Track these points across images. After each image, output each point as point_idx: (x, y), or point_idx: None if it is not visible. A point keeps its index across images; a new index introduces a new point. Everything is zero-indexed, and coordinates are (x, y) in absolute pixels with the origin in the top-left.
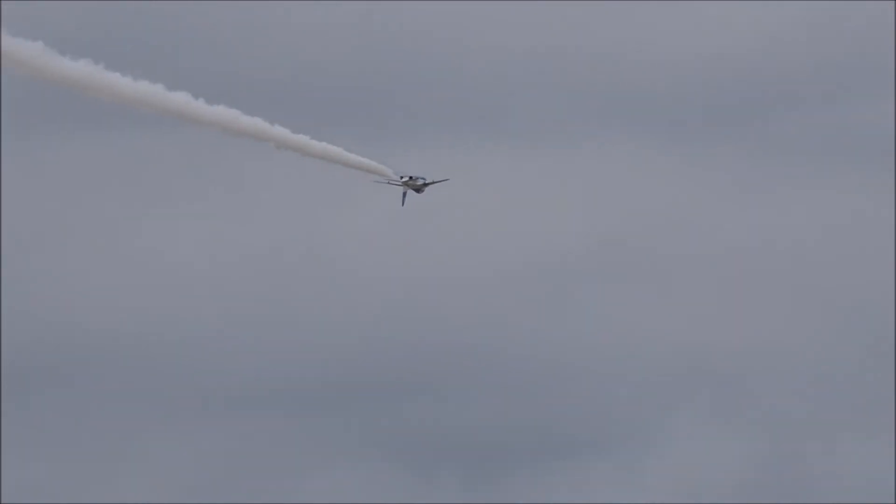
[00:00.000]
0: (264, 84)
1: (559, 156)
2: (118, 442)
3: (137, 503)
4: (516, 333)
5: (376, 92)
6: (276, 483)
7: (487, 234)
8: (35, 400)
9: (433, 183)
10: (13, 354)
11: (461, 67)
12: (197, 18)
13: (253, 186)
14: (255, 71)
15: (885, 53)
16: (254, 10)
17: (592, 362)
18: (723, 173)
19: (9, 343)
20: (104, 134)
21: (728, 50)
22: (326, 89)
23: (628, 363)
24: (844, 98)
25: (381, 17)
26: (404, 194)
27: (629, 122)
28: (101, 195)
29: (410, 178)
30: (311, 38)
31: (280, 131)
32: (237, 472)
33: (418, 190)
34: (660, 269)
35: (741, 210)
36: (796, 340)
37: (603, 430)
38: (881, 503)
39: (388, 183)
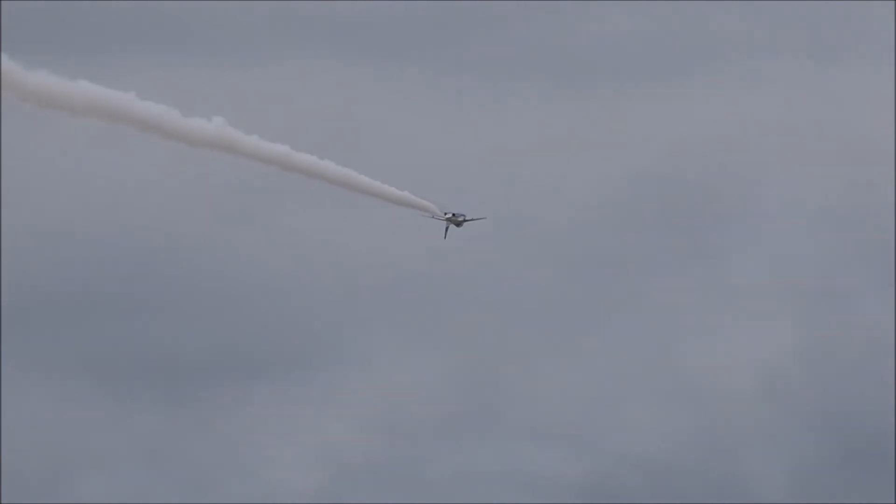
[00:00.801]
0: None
1: None
2: None
3: None
4: (213, 250)
5: None
6: None
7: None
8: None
9: (472, 220)
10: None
11: None
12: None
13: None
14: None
15: None
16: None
17: (290, 280)
18: None
19: None
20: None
21: None
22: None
23: (329, 281)
24: None
25: None
26: (447, 228)
27: None
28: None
29: (453, 214)
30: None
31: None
32: None
33: (458, 224)
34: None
35: None
36: (495, 260)
37: (303, 350)
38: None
39: (433, 218)
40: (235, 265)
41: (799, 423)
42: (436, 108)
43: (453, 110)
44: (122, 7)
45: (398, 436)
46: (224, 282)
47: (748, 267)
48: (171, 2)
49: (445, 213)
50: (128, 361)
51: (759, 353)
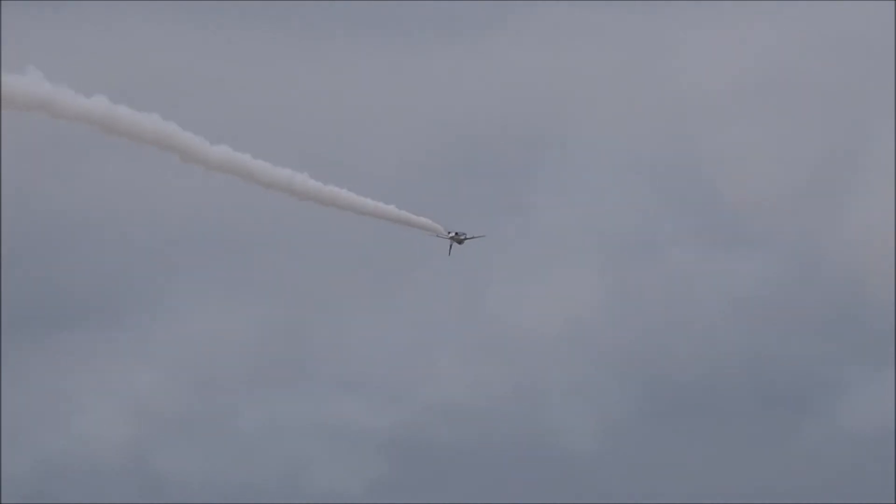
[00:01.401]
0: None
1: None
2: None
3: None
4: (21, 200)
5: None
6: None
7: None
8: None
9: (472, 238)
10: None
11: None
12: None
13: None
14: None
15: None
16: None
17: (100, 231)
18: None
19: None
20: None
21: None
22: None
23: (140, 232)
24: None
25: None
26: (450, 246)
27: None
28: None
29: (456, 233)
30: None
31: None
32: None
33: (460, 242)
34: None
35: None
36: (305, 212)
37: (113, 301)
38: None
39: (437, 236)
40: (42, 214)
41: (608, 373)
42: (250, 59)
43: (270, 62)
44: None
45: (208, 387)
46: (31, 231)
47: (557, 218)
48: None
49: (449, 233)
50: None
51: (568, 303)
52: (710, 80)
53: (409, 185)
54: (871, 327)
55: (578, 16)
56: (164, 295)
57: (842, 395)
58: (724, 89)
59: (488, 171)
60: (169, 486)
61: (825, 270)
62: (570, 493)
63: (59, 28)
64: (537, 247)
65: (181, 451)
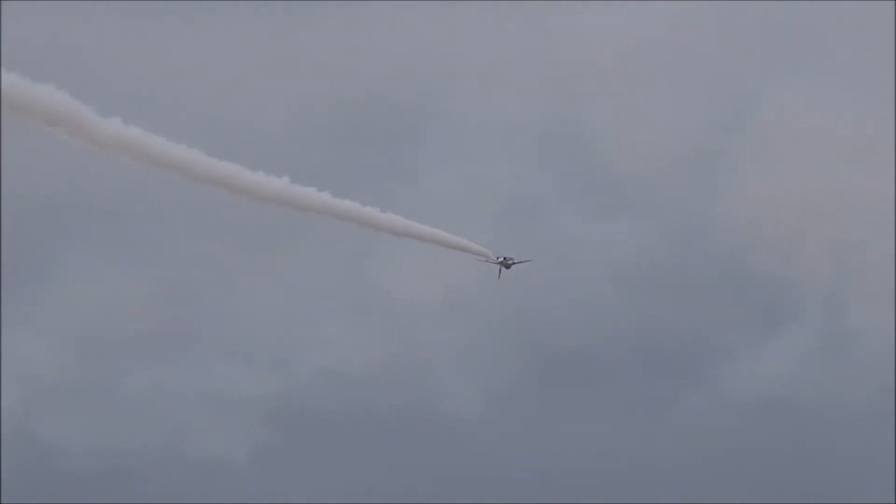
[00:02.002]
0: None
1: None
2: None
3: None
4: None
5: None
6: None
7: None
8: None
9: (519, 262)
10: None
11: None
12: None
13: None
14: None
15: None
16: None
17: None
18: None
19: None
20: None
21: None
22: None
23: (26, 200)
24: None
25: None
26: (500, 270)
27: None
28: None
29: (504, 258)
30: None
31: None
32: None
33: (508, 267)
34: None
35: None
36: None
37: None
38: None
39: (487, 261)
40: None
41: (492, 339)
42: (129, 32)
43: (147, 32)
44: None
45: (94, 354)
46: None
47: (442, 184)
48: None
49: (498, 258)
50: None
51: (452, 270)
52: (596, 50)
53: (296, 153)
54: (754, 295)
55: None
56: (52, 262)
57: (724, 361)
58: (610, 59)
59: (374, 137)
60: (54, 452)
61: (708, 238)
62: (453, 459)
63: None
64: (422, 212)
65: (66, 417)
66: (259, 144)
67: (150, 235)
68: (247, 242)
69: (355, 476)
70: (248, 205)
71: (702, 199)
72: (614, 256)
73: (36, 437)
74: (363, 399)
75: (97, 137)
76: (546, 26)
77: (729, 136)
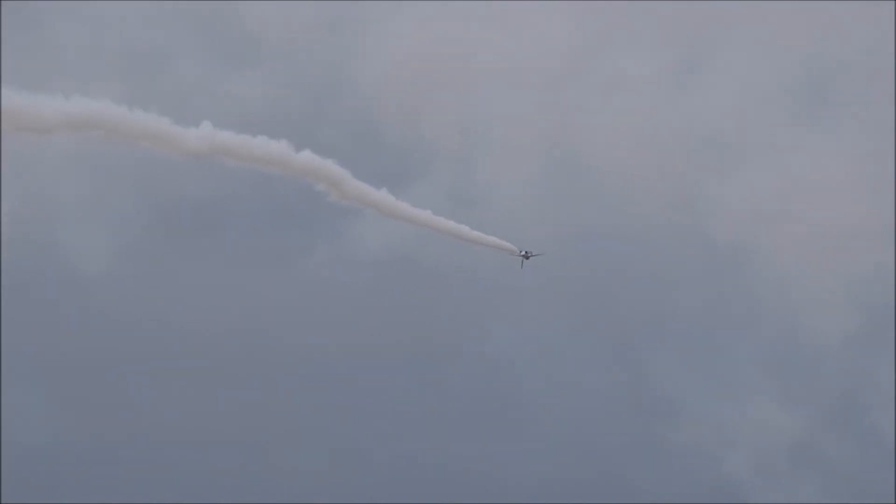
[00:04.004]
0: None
1: None
2: None
3: None
4: None
5: None
6: None
7: None
8: None
9: (536, 255)
10: None
11: None
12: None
13: None
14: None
15: None
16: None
17: None
18: None
19: None
20: None
21: None
22: None
23: None
24: None
25: None
26: (521, 262)
27: None
28: None
29: (526, 252)
30: None
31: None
32: None
33: (527, 258)
34: None
35: None
36: None
37: None
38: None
39: (511, 255)
40: None
41: (118, 191)
42: None
43: None
44: None
45: None
46: None
47: (70, 33)
48: None
49: (520, 251)
50: None
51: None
52: None
53: None
54: (383, 155)
55: None
56: None
57: (351, 218)
58: None
59: None
60: None
61: (338, 96)
62: (78, 316)
63: None
64: (49, 62)
65: None
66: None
67: None
68: None
69: None
70: None
71: (334, 58)
72: (243, 109)
73: None
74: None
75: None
76: None
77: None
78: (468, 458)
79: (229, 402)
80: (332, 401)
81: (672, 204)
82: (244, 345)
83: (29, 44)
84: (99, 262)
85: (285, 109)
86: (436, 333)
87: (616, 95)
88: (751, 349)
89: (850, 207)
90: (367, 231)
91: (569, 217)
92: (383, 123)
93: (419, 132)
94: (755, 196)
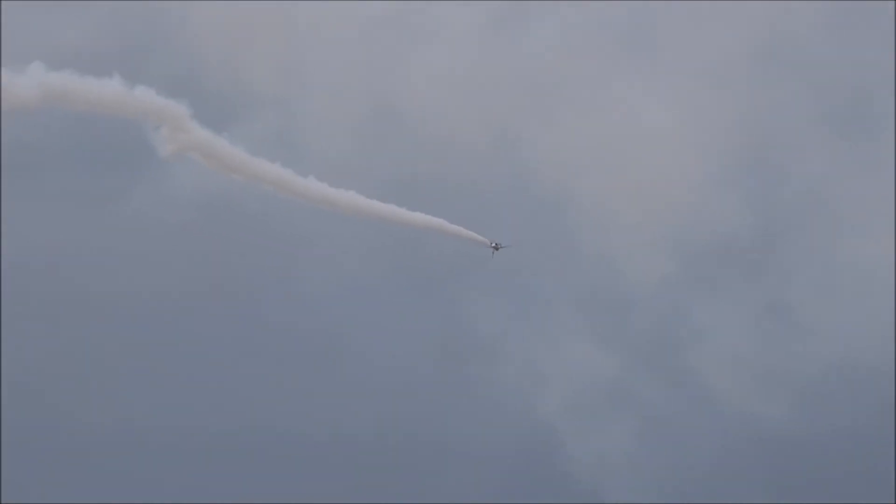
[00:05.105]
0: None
1: None
2: None
3: None
4: None
5: None
6: None
7: None
8: None
9: (506, 247)
10: None
11: None
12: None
13: None
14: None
15: None
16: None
17: None
18: None
19: None
20: None
21: None
22: None
23: None
24: None
25: None
26: (492, 253)
27: None
28: None
29: (496, 244)
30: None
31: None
32: None
33: (497, 249)
34: None
35: None
36: None
37: None
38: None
39: (483, 247)
40: None
41: None
42: None
43: None
44: None
45: None
46: None
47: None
48: None
49: (491, 243)
50: None
51: None
52: None
53: None
54: (204, 101)
55: None
56: None
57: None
58: None
59: None
60: None
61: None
62: None
63: None
64: None
65: None
66: None
67: None
68: None
69: None
70: None
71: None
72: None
73: None
74: None
75: None
76: None
77: None
78: (278, 399)
79: (33, 337)
80: (139, 340)
81: (493, 150)
82: (48, 282)
83: None
84: None
85: (107, 51)
86: (248, 274)
87: (437, 42)
88: (567, 292)
89: (670, 154)
90: (190, 172)
91: (389, 163)
92: (206, 69)
93: (240, 77)
94: (576, 143)
